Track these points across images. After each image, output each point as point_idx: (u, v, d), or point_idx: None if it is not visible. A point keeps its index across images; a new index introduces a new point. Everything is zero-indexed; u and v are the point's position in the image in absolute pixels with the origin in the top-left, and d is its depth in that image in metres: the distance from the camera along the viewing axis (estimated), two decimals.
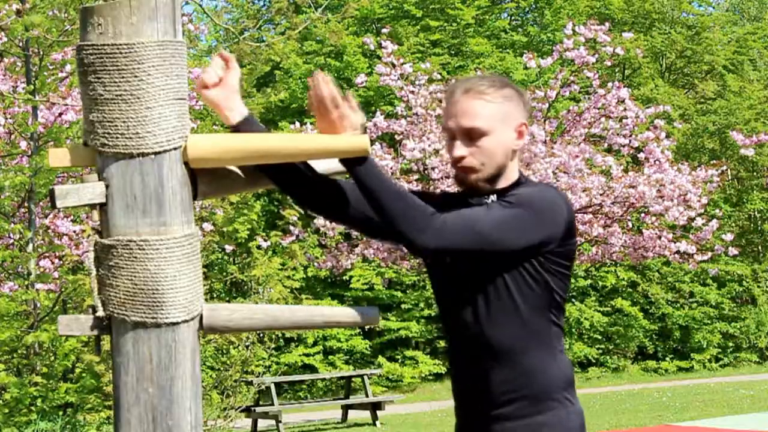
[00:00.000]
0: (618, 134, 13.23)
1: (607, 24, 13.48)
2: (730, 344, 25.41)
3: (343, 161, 2.39)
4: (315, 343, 22.33)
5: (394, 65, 13.23)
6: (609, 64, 13.70)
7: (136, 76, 2.34)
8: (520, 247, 2.36)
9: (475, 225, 2.33)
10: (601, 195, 12.54)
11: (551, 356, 2.42)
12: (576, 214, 12.81)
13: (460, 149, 2.49)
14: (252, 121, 2.45)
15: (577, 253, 14.19)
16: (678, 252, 13.52)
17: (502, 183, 2.50)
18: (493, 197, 2.48)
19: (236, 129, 2.44)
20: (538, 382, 2.40)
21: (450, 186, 11.77)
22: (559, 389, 2.41)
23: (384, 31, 14.43)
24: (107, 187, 2.35)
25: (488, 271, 2.43)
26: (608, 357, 24.55)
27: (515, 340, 2.41)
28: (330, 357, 22.44)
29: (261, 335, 13.32)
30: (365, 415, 15.41)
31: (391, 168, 12.83)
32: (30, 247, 10.67)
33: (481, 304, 2.45)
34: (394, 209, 2.32)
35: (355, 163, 2.37)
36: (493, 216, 2.34)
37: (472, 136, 2.48)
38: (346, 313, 2.57)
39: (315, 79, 2.41)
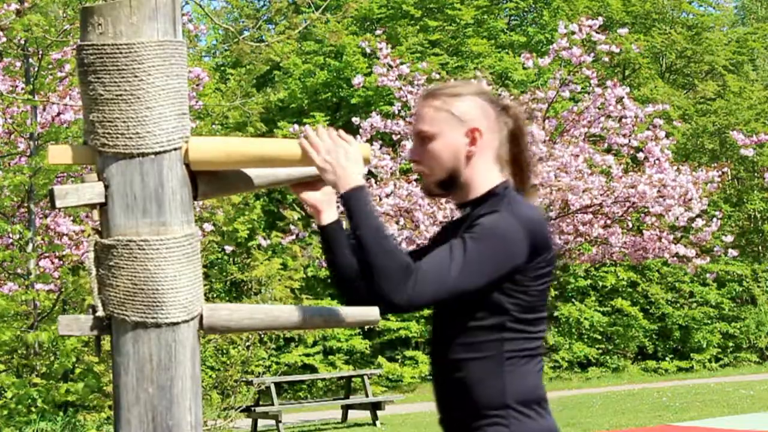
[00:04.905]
0: (618, 134, 13.22)
1: (600, 19, 13.38)
2: (730, 344, 25.41)
3: (343, 202, 2.43)
4: (315, 343, 22.33)
5: (391, 66, 13.23)
6: (606, 60, 13.64)
7: (136, 76, 2.34)
8: (484, 284, 2.37)
9: (442, 279, 2.34)
10: (601, 195, 12.53)
11: (496, 370, 2.40)
12: (576, 214, 12.82)
13: (411, 152, 2.55)
14: (340, 227, 2.57)
15: (577, 255, 14.02)
16: (677, 255, 13.53)
17: (470, 194, 2.51)
18: (467, 209, 2.50)
19: (323, 229, 2.57)
20: (476, 395, 2.40)
21: None
22: (501, 405, 2.39)
23: (378, 32, 14.42)
24: (107, 187, 2.34)
25: None
26: (608, 357, 24.55)
27: (459, 353, 2.43)
28: (330, 357, 22.44)
29: (261, 335, 13.33)
30: (365, 415, 15.41)
31: (391, 168, 12.83)
32: (30, 247, 10.67)
33: (441, 315, 2.50)
34: (376, 262, 2.34)
35: (353, 204, 2.40)
36: (457, 264, 2.35)
37: (422, 140, 2.51)
38: (346, 313, 2.57)
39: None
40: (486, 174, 2.50)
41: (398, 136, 13.24)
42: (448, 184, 2.51)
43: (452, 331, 2.45)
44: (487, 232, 2.38)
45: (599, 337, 24.64)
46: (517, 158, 2.56)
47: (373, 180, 12.91)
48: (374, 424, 14.65)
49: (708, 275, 19.41)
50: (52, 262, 11.12)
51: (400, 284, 2.31)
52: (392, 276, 2.32)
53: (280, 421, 13.87)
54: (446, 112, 2.49)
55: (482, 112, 2.51)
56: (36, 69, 10.91)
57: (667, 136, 13.62)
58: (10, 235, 10.93)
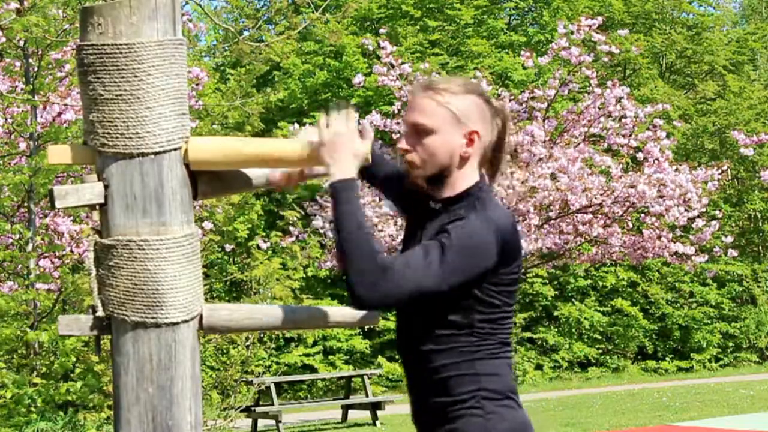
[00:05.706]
0: (618, 134, 13.21)
1: (599, 18, 13.36)
2: (730, 344, 25.41)
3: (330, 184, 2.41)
4: (315, 343, 22.32)
5: (392, 65, 13.22)
6: (606, 60, 13.64)
7: (136, 76, 2.33)
8: (455, 286, 2.37)
9: (416, 281, 2.33)
10: (601, 195, 12.53)
11: (468, 361, 2.42)
12: (576, 214, 12.82)
13: (404, 143, 2.52)
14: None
15: (577, 255, 13.99)
16: (676, 253, 13.52)
17: (448, 191, 2.49)
18: (439, 206, 2.49)
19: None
20: (448, 387, 2.42)
21: None
22: (475, 396, 2.40)
23: (382, 31, 14.42)
24: (107, 187, 2.34)
25: None
26: (608, 357, 24.55)
27: (430, 345, 2.45)
28: (330, 357, 22.43)
29: (261, 335, 13.32)
30: (365, 415, 15.41)
31: None
32: (30, 247, 10.66)
33: (408, 311, 2.49)
34: (353, 259, 2.32)
35: (340, 187, 2.38)
36: (432, 268, 2.34)
37: (418, 132, 2.49)
38: (346, 313, 2.58)
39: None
40: (470, 175, 2.50)
41: (398, 136, 13.23)
42: (436, 180, 2.49)
43: (422, 326, 2.46)
44: (463, 241, 2.37)
45: (599, 337, 24.63)
46: (495, 159, 2.57)
47: None
48: (374, 424, 14.65)
49: (708, 273, 19.41)
50: (52, 262, 11.11)
51: (374, 284, 2.31)
52: (367, 275, 2.31)
53: (280, 421, 13.87)
54: (447, 110, 2.47)
55: (480, 113, 2.50)
56: (36, 69, 10.90)
57: (668, 136, 13.61)
58: (10, 235, 10.93)
